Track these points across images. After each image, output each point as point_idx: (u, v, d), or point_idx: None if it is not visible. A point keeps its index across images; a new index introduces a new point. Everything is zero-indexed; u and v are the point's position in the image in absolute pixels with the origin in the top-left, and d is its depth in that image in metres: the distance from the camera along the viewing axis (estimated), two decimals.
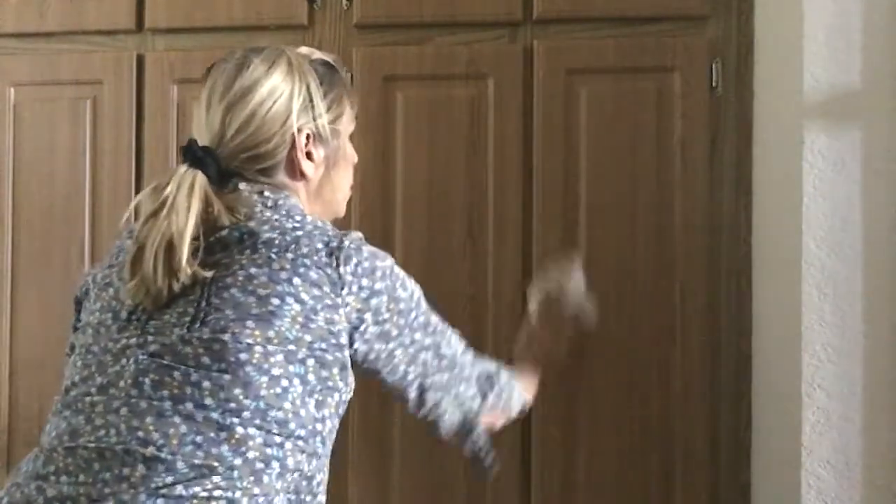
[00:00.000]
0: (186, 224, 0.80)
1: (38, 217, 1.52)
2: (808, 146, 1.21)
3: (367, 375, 0.88)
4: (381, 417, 1.42)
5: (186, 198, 0.82)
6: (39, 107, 1.52)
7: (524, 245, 1.43)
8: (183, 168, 0.85)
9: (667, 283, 1.41)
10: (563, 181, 1.41)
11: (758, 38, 1.40)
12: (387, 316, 0.86)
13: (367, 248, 0.86)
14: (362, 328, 0.84)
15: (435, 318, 0.93)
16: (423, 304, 0.92)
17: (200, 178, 0.84)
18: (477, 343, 1.38)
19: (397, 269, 0.88)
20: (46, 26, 1.52)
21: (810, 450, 1.20)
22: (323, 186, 0.95)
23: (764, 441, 1.37)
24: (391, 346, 0.87)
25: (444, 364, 0.93)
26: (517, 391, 1.05)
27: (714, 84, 1.41)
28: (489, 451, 0.99)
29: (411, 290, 0.90)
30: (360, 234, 0.87)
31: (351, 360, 0.85)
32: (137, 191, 1.49)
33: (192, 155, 0.86)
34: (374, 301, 0.85)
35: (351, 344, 0.84)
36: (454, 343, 0.95)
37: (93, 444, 0.78)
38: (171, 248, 0.80)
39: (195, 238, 0.81)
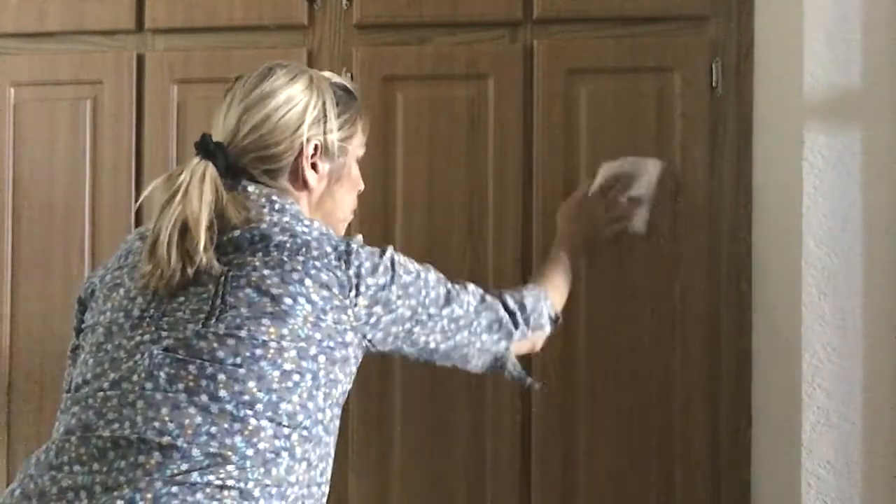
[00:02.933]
0: (200, 209, 0.84)
1: (38, 217, 1.52)
2: (808, 146, 1.21)
3: (392, 352, 0.94)
4: (381, 417, 1.42)
5: (199, 185, 0.86)
6: (39, 107, 1.52)
7: (524, 245, 1.42)
8: (195, 160, 0.89)
9: (667, 283, 1.41)
10: (562, 181, 1.41)
11: (758, 38, 1.40)
12: (399, 303, 0.90)
13: (369, 249, 0.90)
14: (373, 321, 0.89)
15: (444, 288, 0.97)
16: (431, 278, 0.96)
17: (211, 168, 0.88)
18: None
19: (398, 258, 0.93)
20: (46, 26, 1.52)
21: (810, 450, 1.20)
22: (324, 200, 0.98)
23: (764, 441, 1.37)
24: (407, 325, 0.92)
25: (462, 324, 0.97)
26: (545, 308, 1.09)
27: (714, 84, 1.41)
28: (525, 377, 1.07)
29: (415, 271, 0.94)
30: (361, 237, 0.92)
31: (369, 348, 0.91)
32: (137, 191, 1.49)
33: (204, 147, 0.90)
34: (382, 294, 0.89)
35: (364, 336, 0.89)
36: (468, 302, 0.99)
37: (107, 435, 0.79)
38: (185, 231, 0.83)
39: (209, 227, 0.84)
